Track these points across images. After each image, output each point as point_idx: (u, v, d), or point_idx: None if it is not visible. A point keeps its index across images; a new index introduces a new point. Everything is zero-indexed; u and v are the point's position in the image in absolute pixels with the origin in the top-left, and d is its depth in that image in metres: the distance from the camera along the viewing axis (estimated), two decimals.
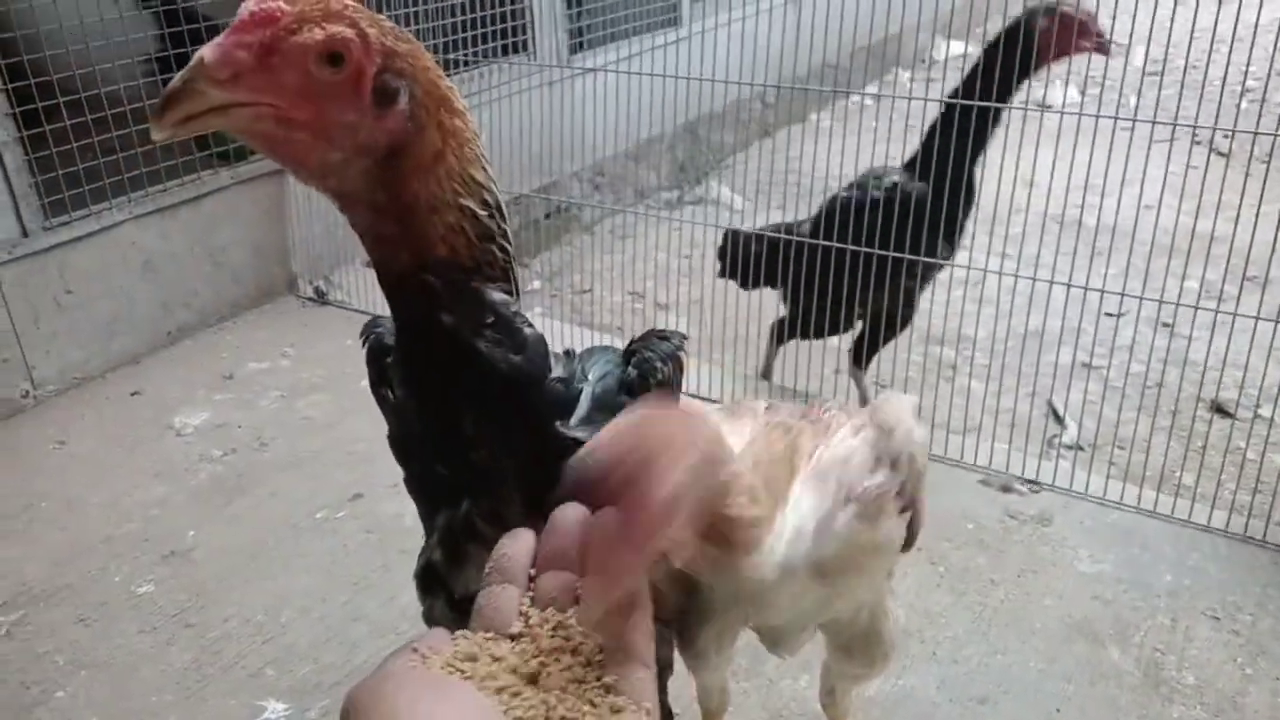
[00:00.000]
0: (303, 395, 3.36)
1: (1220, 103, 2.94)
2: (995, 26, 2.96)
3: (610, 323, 4.24)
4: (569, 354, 1.19)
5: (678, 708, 2.00)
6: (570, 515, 0.66)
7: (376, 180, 0.97)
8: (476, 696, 0.53)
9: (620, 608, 0.61)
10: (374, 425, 1.30)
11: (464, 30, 4.14)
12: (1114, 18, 3.35)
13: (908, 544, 1.33)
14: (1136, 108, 2.87)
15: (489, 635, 0.61)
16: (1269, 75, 5.32)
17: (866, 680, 1.65)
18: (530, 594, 0.63)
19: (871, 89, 6.80)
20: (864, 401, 3.16)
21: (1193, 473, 3.03)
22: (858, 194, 3.06)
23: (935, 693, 2.17)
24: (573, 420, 1.10)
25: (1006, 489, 2.83)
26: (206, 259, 3.78)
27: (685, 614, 1.48)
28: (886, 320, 3.18)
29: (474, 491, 1.11)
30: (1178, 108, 3.91)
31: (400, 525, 2.64)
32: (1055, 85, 5.70)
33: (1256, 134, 2.80)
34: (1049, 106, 5.61)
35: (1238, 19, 2.52)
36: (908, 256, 2.93)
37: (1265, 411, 3.40)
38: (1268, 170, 2.79)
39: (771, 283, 3.35)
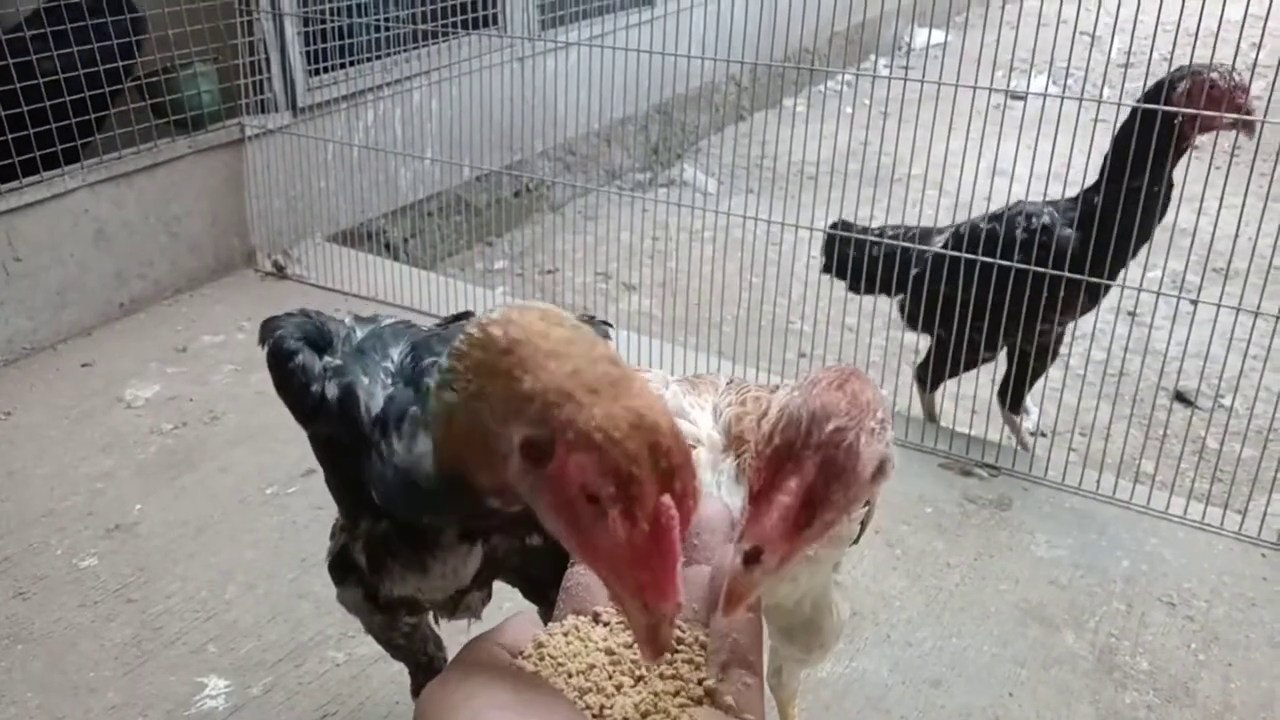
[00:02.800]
0: (257, 370, 3.28)
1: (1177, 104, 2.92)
2: (973, 16, 2.94)
3: (576, 303, 4.19)
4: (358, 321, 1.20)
5: None
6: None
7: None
8: (560, 698, 0.47)
9: (727, 606, 0.54)
10: None
11: (432, 1, 4.07)
12: (1096, 10, 3.34)
13: (856, 538, 1.30)
14: (1101, 93, 2.86)
15: (577, 623, 0.55)
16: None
17: (808, 665, 1.63)
18: None
19: (847, 76, 6.78)
20: (1022, 447, 2.98)
21: (1153, 460, 3.03)
22: (1002, 230, 2.74)
23: (888, 675, 2.15)
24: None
25: (966, 473, 2.82)
26: (162, 229, 3.70)
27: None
28: (1028, 355, 2.90)
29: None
30: (1137, 104, 3.90)
31: None
32: (1026, 74, 5.70)
33: (1220, 128, 2.78)
34: (1018, 94, 5.61)
35: (1202, 12, 2.49)
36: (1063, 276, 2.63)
37: (1226, 401, 3.41)
38: (1230, 163, 2.80)
39: (888, 289, 3.07)
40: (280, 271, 3.92)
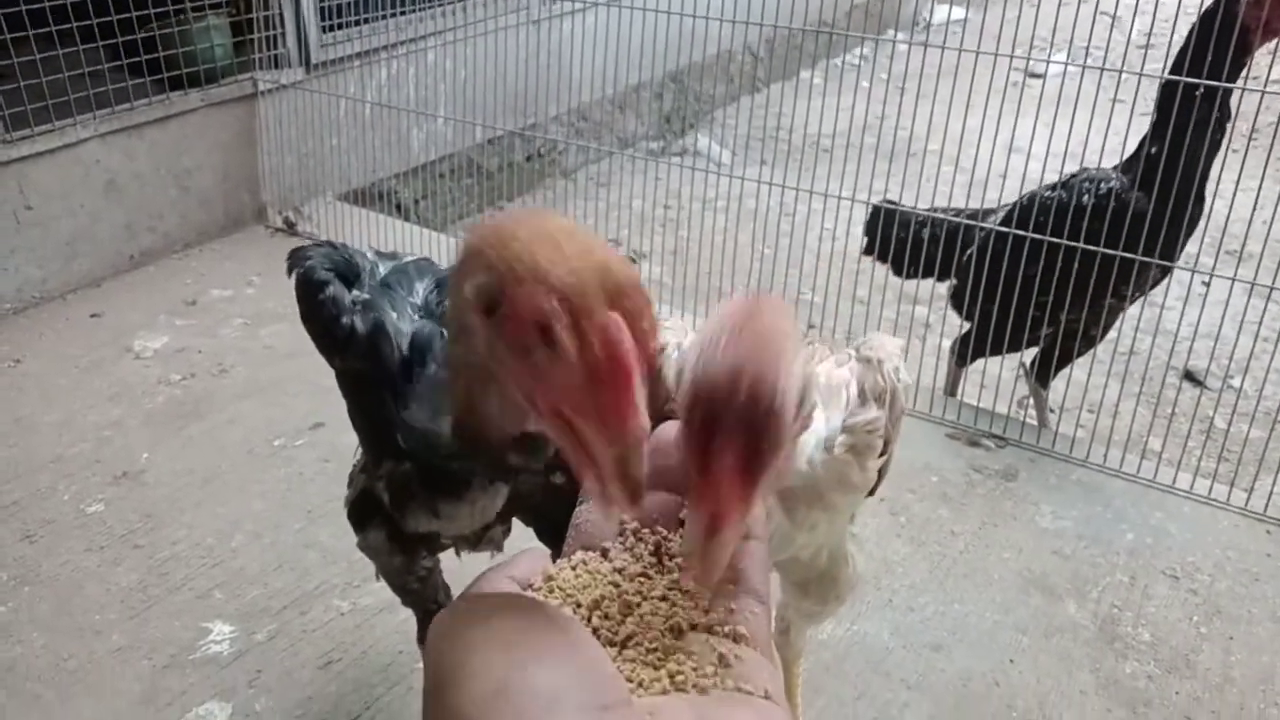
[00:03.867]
0: (266, 324, 3.29)
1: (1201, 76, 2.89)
2: None
3: None
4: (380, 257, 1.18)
5: None
6: (672, 431, 0.59)
7: None
8: (577, 625, 0.47)
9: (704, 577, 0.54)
10: None
11: None
12: None
13: (873, 488, 1.30)
14: (1121, 71, 2.83)
15: (585, 557, 0.55)
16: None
17: (820, 619, 1.63)
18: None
19: (865, 49, 6.73)
20: (1042, 423, 2.94)
21: (1161, 438, 3.03)
22: (1063, 195, 2.65)
23: (889, 639, 2.16)
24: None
25: (974, 444, 2.81)
26: (173, 182, 3.69)
27: None
28: (1083, 334, 2.82)
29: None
30: (1163, 76, 3.86)
31: None
32: (1045, 52, 5.64)
33: (1236, 109, 2.76)
34: (1037, 75, 5.56)
35: None
36: (1122, 255, 2.54)
37: (1236, 382, 3.39)
38: (1248, 146, 2.77)
39: (933, 273, 2.97)
40: (291, 228, 3.91)
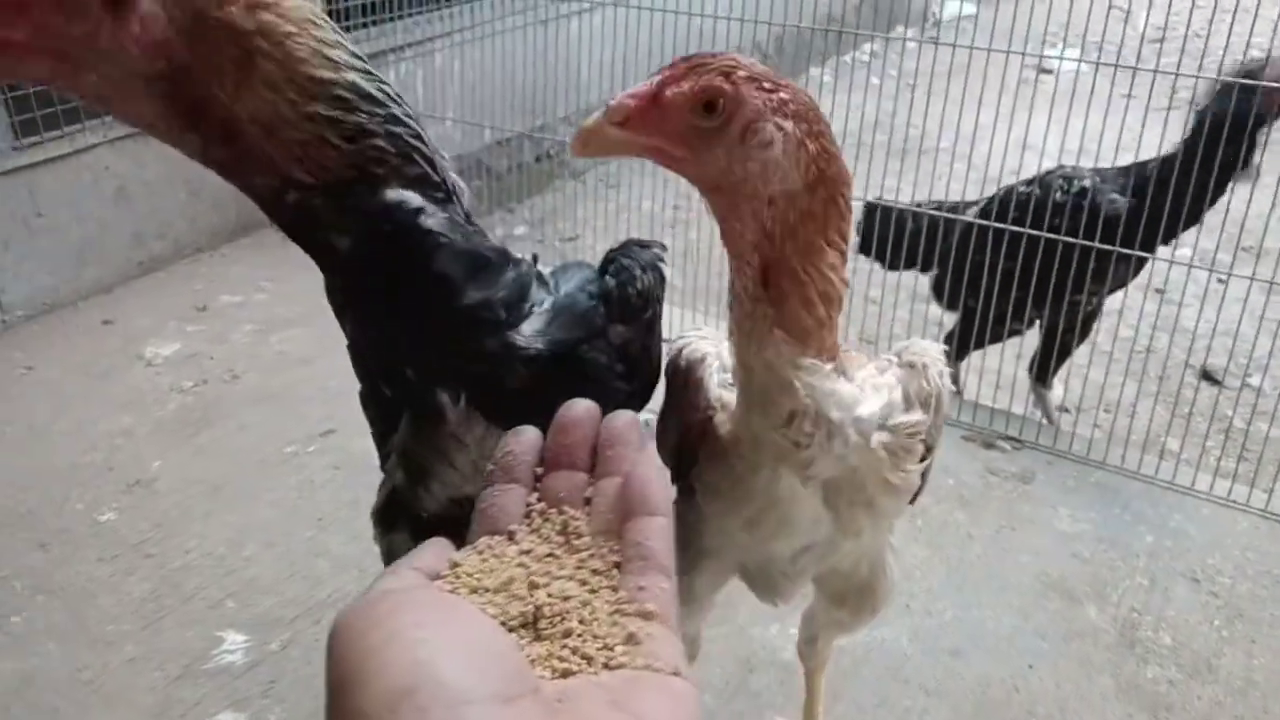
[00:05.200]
0: (277, 330, 3.29)
1: (1220, 72, 2.86)
2: None
3: None
4: (535, 258, 1.11)
5: None
6: (579, 410, 0.60)
7: (174, 99, 0.82)
8: (480, 617, 0.47)
9: (636, 511, 0.54)
10: (349, 361, 1.23)
11: None
12: None
13: (915, 495, 1.28)
14: (1135, 68, 2.80)
15: (491, 543, 0.54)
16: (1271, 46, 5.24)
17: (851, 629, 1.61)
18: (536, 494, 0.57)
19: (875, 46, 6.70)
20: (1050, 422, 2.97)
21: (1178, 438, 2.99)
22: (1037, 191, 2.71)
23: (907, 644, 2.14)
24: (527, 330, 1.03)
25: (989, 446, 2.79)
26: (183, 187, 3.68)
27: (678, 562, 1.43)
28: (1064, 329, 2.87)
29: (410, 412, 1.05)
30: (1177, 72, 3.83)
31: (369, 462, 2.54)
32: (1056, 48, 5.60)
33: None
34: (1048, 70, 5.53)
35: None
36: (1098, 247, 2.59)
37: (1254, 380, 3.36)
38: (1266, 141, 2.74)
39: (919, 265, 3.05)
40: None
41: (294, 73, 0.85)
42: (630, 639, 0.48)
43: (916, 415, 1.12)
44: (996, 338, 2.94)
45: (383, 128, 0.91)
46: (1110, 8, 2.75)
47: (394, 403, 1.11)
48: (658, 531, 0.53)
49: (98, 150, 3.40)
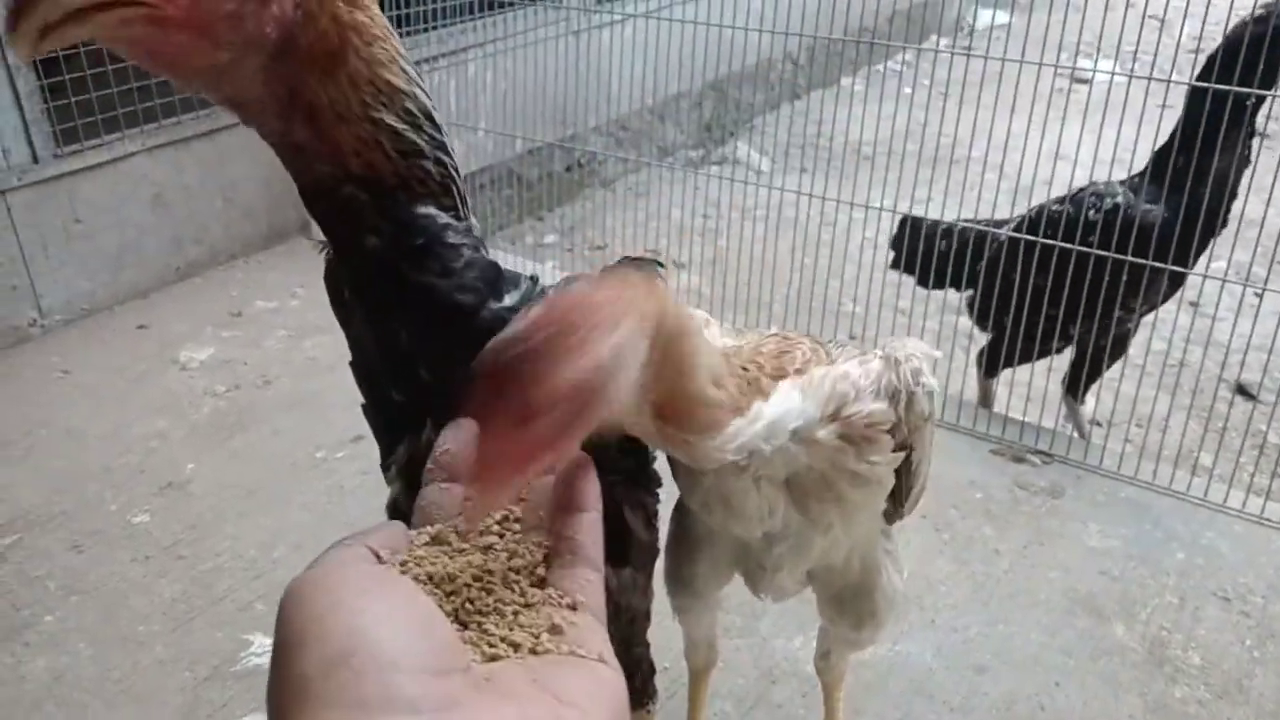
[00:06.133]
0: (309, 336, 3.33)
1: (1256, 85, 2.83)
2: None
3: None
4: (534, 280, 1.12)
5: (666, 661, 1.97)
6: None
7: (276, 80, 0.87)
8: (420, 594, 0.49)
9: (566, 508, 0.58)
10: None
11: None
12: None
13: (901, 498, 1.27)
14: (1170, 78, 2.77)
15: (434, 531, 0.57)
16: None
17: (859, 645, 1.60)
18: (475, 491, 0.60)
19: (907, 55, 6.67)
20: (1081, 435, 2.95)
21: (1211, 453, 2.96)
22: (1070, 210, 2.68)
23: (931, 660, 2.13)
24: None
25: (1018, 459, 2.77)
26: (219, 195, 3.74)
27: (678, 546, 1.44)
28: (1095, 345, 2.83)
29: (432, 417, 1.06)
30: (1212, 84, 3.78)
31: None
32: (1090, 58, 5.56)
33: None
34: (1082, 78, 5.48)
35: None
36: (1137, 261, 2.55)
37: None
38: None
39: (958, 284, 3.02)
40: None
41: (375, 75, 0.90)
42: (556, 629, 0.50)
43: (874, 405, 1.12)
44: (1028, 356, 2.92)
45: (433, 154, 0.95)
46: (1146, 17, 2.73)
47: (401, 410, 1.12)
48: (586, 526, 0.57)
49: (136, 158, 3.46)
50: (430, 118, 0.95)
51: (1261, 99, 2.44)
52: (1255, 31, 2.40)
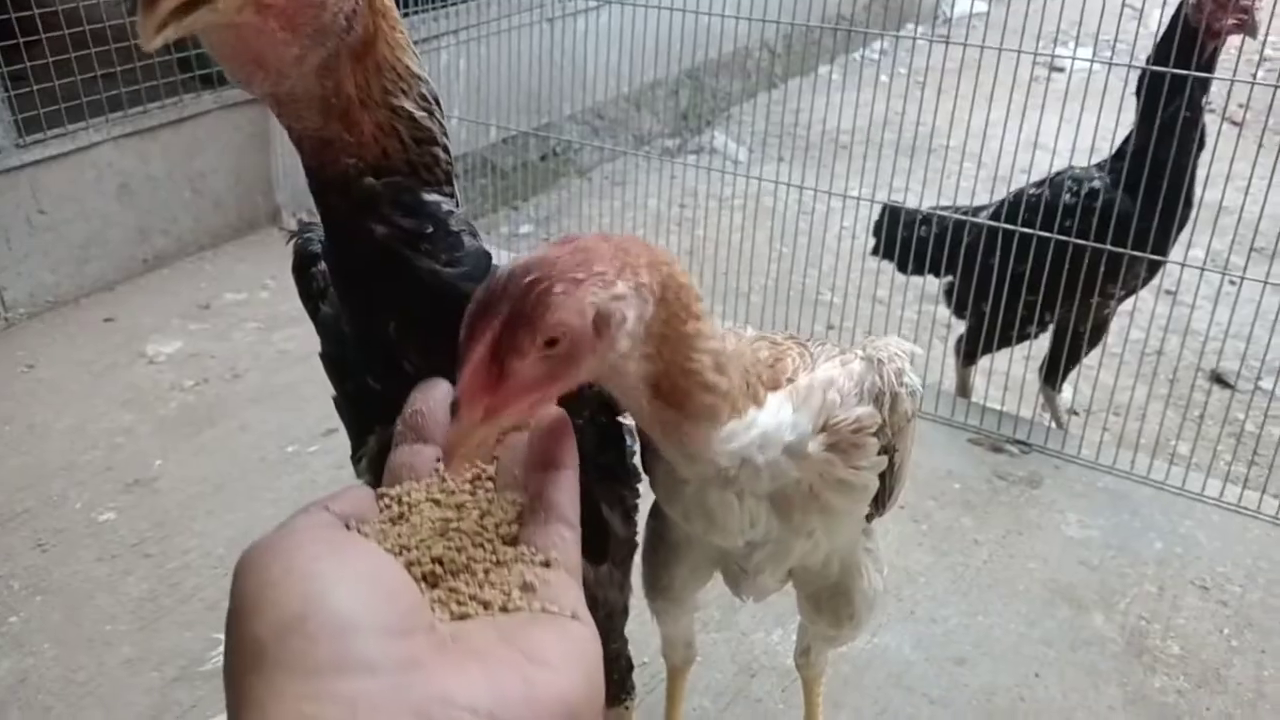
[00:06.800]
0: (280, 328, 3.27)
1: (1235, 71, 2.82)
2: None
3: None
4: None
5: (645, 657, 1.94)
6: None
7: (327, 73, 0.88)
8: (381, 555, 0.48)
9: (542, 465, 0.56)
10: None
11: None
12: None
13: (883, 499, 1.25)
14: (1147, 64, 2.76)
15: (402, 491, 0.56)
16: None
17: (837, 643, 1.59)
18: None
19: (884, 44, 6.66)
20: (1058, 424, 2.95)
21: (1189, 442, 2.96)
22: (1047, 194, 2.68)
23: (910, 652, 2.11)
24: None
25: (996, 449, 2.76)
26: (186, 185, 3.67)
27: (655, 552, 1.41)
28: (1074, 332, 2.83)
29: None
30: (1190, 71, 3.78)
31: None
32: (1067, 46, 5.56)
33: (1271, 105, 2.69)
34: (1060, 68, 5.48)
35: None
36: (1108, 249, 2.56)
37: (1266, 384, 3.32)
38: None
39: (937, 270, 3.01)
40: None
41: (396, 60, 0.91)
42: (528, 586, 0.49)
43: (860, 410, 1.10)
44: (1006, 342, 2.91)
45: (442, 139, 0.96)
46: (1123, 6, 2.72)
47: (376, 401, 1.10)
48: (561, 483, 0.55)
49: (101, 148, 3.39)
50: (439, 103, 0.96)
51: (1203, 81, 2.47)
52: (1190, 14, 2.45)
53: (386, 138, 0.92)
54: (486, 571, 0.50)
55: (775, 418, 1.04)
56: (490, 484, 0.57)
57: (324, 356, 1.17)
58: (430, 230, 0.95)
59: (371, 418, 1.10)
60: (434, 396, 0.60)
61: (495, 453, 0.59)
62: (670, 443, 1.00)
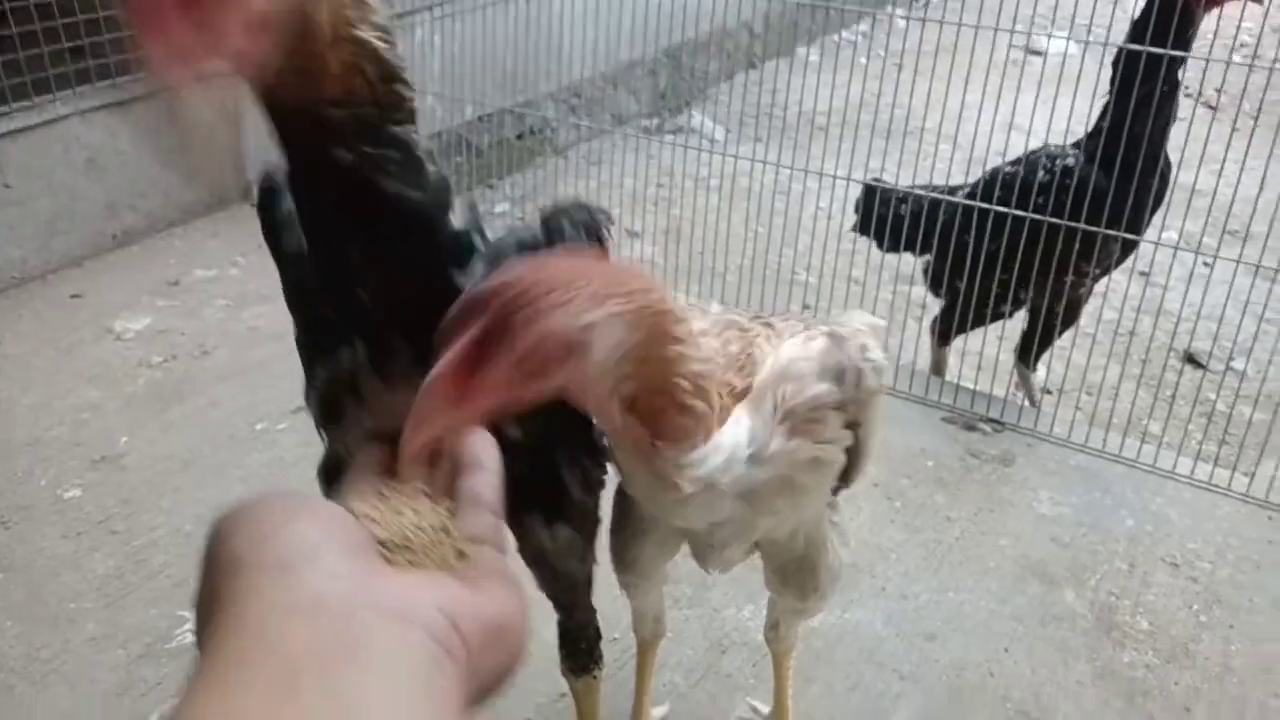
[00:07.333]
0: (250, 305, 3.23)
1: (1210, 55, 2.83)
2: None
3: None
4: (473, 207, 1.10)
5: (616, 632, 1.93)
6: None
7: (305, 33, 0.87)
8: (340, 508, 0.55)
9: (468, 467, 0.63)
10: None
11: None
12: None
13: (849, 474, 1.24)
14: (1125, 48, 2.75)
15: (375, 489, 0.63)
16: (1262, 31, 5.21)
17: (805, 615, 1.59)
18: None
19: (863, 26, 6.64)
20: (1032, 403, 2.95)
21: (1160, 421, 2.97)
22: (1022, 171, 2.70)
23: (882, 627, 2.11)
24: (466, 270, 1.01)
25: (970, 428, 2.76)
26: (156, 160, 3.61)
27: (622, 528, 1.41)
28: (1049, 311, 2.84)
29: (361, 334, 1.03)
30: (1167, 52, 3.79)
31: None
32: (1045, 28, 5.56)
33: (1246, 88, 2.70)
34: (1037, 51, 5.48)
35: None
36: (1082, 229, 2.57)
37: (1237, 364, 3.34)
38: (1255, 126, 2.71)
39: (914, 248, 3.01)
40: None
41: None
42: (461, 554, 0.57)
43: (815, 389, 1.09)
44: (980, 321, 2.92)
45: (404, 75, 0.96)
46: None
47: (330, 329, 1.08)
48: (485, 481, 0.63)
49: (69, 121, 3.33)
50: (393, 37, 0.95)
51: (1177, 58, 2.47)
52: None
53: (351, 77, 0.91)
54: (425, 549, 0.57)
55: (733, 435, 1.04)
56: (425, 498, 0.63)
57: (287, 297, 1.17)
58: (399, 156, 0.96)
59: (325, 348, 1.09)
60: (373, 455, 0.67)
61: (432, 465, 0.66)
62: (636, 462, 1.00)
